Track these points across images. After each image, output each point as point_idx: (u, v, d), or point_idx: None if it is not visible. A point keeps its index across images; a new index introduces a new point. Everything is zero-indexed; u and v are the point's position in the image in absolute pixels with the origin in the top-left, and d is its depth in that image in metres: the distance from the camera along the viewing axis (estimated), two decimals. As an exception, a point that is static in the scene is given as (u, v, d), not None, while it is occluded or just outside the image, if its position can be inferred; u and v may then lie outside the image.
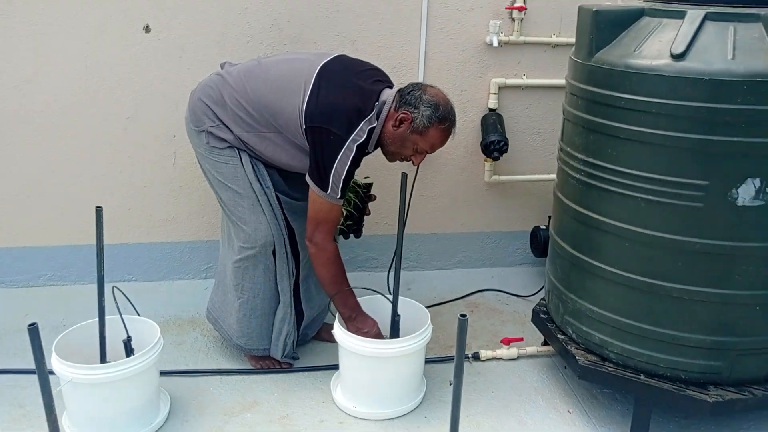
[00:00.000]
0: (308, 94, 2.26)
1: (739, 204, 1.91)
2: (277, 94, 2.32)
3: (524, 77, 3.08)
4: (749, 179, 1.88)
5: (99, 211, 2.10)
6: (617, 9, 2.08)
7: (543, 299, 2.65)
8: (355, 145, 2.23)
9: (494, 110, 3.10)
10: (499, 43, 2.94)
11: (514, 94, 3.11)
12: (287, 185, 2.52)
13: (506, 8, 2.96)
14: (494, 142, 3.00)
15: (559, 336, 2.40)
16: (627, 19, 2.08)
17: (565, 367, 2.62)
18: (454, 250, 3.34)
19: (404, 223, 2.29)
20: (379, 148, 2.38)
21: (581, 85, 2.17)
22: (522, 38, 3.00)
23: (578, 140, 2.21)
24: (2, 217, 2.98)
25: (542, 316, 2.55)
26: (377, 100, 2.30)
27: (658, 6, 2.06)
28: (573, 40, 2.93)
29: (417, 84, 2.35)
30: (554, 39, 3.04)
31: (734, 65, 1.83)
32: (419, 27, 2.97)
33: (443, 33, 3.00)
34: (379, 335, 2.42)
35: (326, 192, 2.26)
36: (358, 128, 2.23)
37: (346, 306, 2.41)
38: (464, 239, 3.33)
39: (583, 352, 2.29)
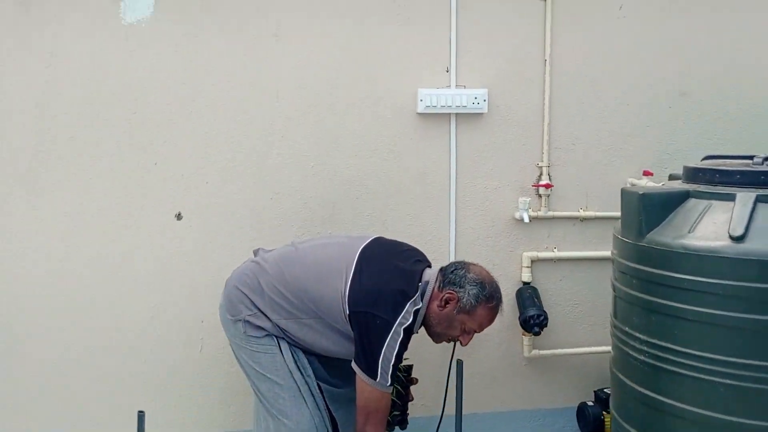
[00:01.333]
0: (350, 278, 2.23)
1: (819, 385, 1.83)
2: (317, 280, 2.28)
3: (555, 250, 3.09)
4: None
5: (141, 416, 1.97)
6: (664, 191, 2.13)
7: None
8: (402, 328, 2.16)
9: (528, 283, 3.08)
10: (530, 218, 2.97)
11: (547, 267, 3.10)
12: (327, 372, 2.42)
13: (533, 186, 3.03)
14: (533, 317, 2.94)
15: None
16: (674, 201, 2.11)
17: None
18: (493, 429, 3.16)
19: (461, 414, 2.16)
20: (424, 329, 2.31)
21: (634, 265, 2.15)
22: (550, 213, 3.04)
23: (637, 320, 2.15)
24: (18, 408, 2.81)
25: None
26: (420, 281, 2.26)
27: (703, 189, 2.09)
28: (600, 213, 3.04)
29: (459, 262, 2.34)
30: (582, 213, 3.08)
31: (798, 246, 1.83)
32: (448, 205, 3.01)
33: (472, 210, 3.04)
34: None
35: (375, 380, 2.16)
36: (404, 311, 2.17)
37: None
38: (505, 418, 3.17)
39: None
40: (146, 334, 2.88)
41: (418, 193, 3.00)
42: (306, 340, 2.32)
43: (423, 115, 2.94)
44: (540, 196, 3.04)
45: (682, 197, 2.10)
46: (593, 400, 3.11)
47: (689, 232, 2.00)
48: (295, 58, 2.85)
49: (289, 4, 2.83)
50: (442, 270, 2.32)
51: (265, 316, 2.33)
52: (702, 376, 1.97)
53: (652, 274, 2.08)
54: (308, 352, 2.38)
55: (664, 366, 2.07)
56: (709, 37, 3.10)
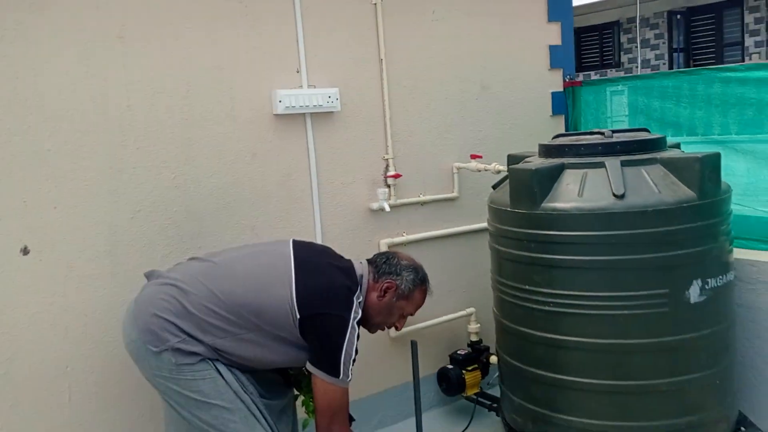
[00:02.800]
0: (293, 283, 2.20)
1: (692, 302, 2.39)
2: (256, 291, 2.20)
3: (405, 234, 3.34)
4: (694, 281, 2.38)
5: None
6: (549, 166, 2.50)
7: (511, 431, 2.81)
8: (356, 322, 2.22)
9: (387, 269, 3.27)
10: (390, 206, 3.17)
11: (399, 250, 3.33)
12: (261, 387, 2.33)
13: (385, 177, 3.23)
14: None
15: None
16: (556, 173, 2.50)
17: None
18: (372, 412, 3.31)
19: (419, 392, 2.29)
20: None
21: (531, 231, 2.50)
22: (399, 201, 3.28)
23: (538, 277, 2.51)
24: None
25: (522, 446, 2.70)
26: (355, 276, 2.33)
27: (574, 161, 2.53)
28: (436, 196, 3.38)
29: (385, 254, 2.46)
30: (422, 198, 3.38)
31: (664, 197, 2.36)
32: (311, 204, 3.06)
33: (333, 206, 3.12)
34: None
35: (338, 377, 2.17)
36: (354, 305, 2.23)
37: None
38: (379, 399, 3.33)
39: (585, 465, 2.50)
40: (1, 391, 2.40)
41: (284, 196, 2.99)
42: (245, 356, 2.21)
43: (280, 117, 2.94)
44: (389, 186, 3.26)
45: (559, 169, 2.51)
46: (450, 363, 3.45)
47: (579, 196, 2.41)
48: (145, 62, 2.62)
49: (133, 3, 2.58)
50: (371, 262, 2.40)
51: (196, 340, 2.16)
52: (605, 312, 2.40)
53: (550, 236, 2.45)
54: (243, 370, 2.26)
55: (568, 311, 2.46)
56: (501, 40, 3.63)
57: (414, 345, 2.23)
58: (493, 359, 3.45)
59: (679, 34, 11.94)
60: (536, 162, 2.61)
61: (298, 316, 2.16)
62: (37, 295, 2.46)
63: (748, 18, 10.84)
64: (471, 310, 3.55)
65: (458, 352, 3.45)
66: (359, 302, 2.27)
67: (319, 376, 2.17)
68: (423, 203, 3.40)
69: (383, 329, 2.47)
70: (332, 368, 2.16)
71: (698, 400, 2.47)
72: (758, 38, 10.78)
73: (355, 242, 3.19)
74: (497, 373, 3.53)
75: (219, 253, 2.39)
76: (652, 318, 2.39)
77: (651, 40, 12.34)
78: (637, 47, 12.10)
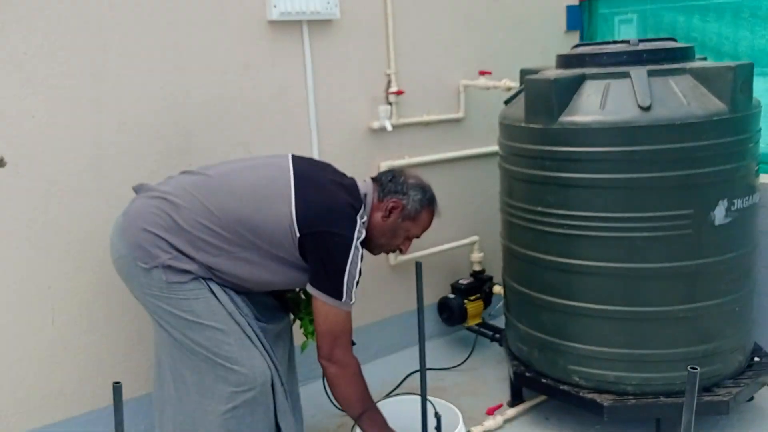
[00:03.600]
0: (294, 199, 2.03)
1: (716, 224, 2.23)
2: (254, 207, 2.03)
3: (406, 157, 3.16)
4: (720, 201, 2.22)
5: (117, 388, 1.58)
6: (569, 76, 2.31)
7: (515, 361, 2.70)
8: (360, 242, 2.06)
9: (388, 192, 3.10)
10: (392, 126, 2.98)
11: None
12: (256, 309, 2.19)
13: (388, 93, 3.03)
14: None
15: (562, 387, 2.47)
16: (575, 84, 2.31)
17: (547, 418, 2.70)
18: (370, 341, 3.19)
19: (422, 315, 2.15)
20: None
21: (547, 147, 2.32)
22: (401, 120, 3.09)
23: (553, 198, 2.35)
24: None
25: (529, 375, 2.59)
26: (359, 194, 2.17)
27: (596, 71, 2.33)
28: (441, 117, 3.18)
29: (391, 171, 2.28)
30: (426, 118, 3.18)
31: (693, 110, 2.17)
32: (308, 121, 2.86)
33: (331, 123, 2.93)
34: None
35: (341, 300, 2.03)
36: (357, 225, 2.07)
37: (376, 425, 2.15)
38: (377, 328, 3.22)
39: (597, 394, 2.39)
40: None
41: (278, 111, 2.79)
42: (240, 276, 2.06)
43: (275, 24, 2.71)
44: (390, 103, 3.06)
45: (580, 80, 2.32)
46: (451, 292, 3.32)
47: (601, 109, 2.23)
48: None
49: None
50: (376, 180, 2.23)
51: (188, 257, 2.00)
52: (623, 234, 2.25)
53: (568, 153, 2.27)
54: (238, 291, 2.12)
55: (583, 233, 2.31)
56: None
57: (418, 267, 2.06)
58: (497, 289, 3.33)
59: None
60: (554, 73, 2.41)
61: (298, 235, 2.01)
62: (15, 211, 2.29)
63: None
64: (474, 238, 3.41)
65: (460, 281, 3.33)
66: (363, 222, 2.11)
67: (320, 298, 2.03)
68: (427, 123, 3.21)
69: (387, 252, 2.32)
70: (335, 290, 2.02)
71: (715, 328, 2.35)
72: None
73: (354, 164, 3.00)
74: (500, 304, 3.44)
75: (213, 166, 2.21)
76: (673, 241, 2.24)
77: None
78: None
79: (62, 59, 2.30)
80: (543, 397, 2.73)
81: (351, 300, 2.05)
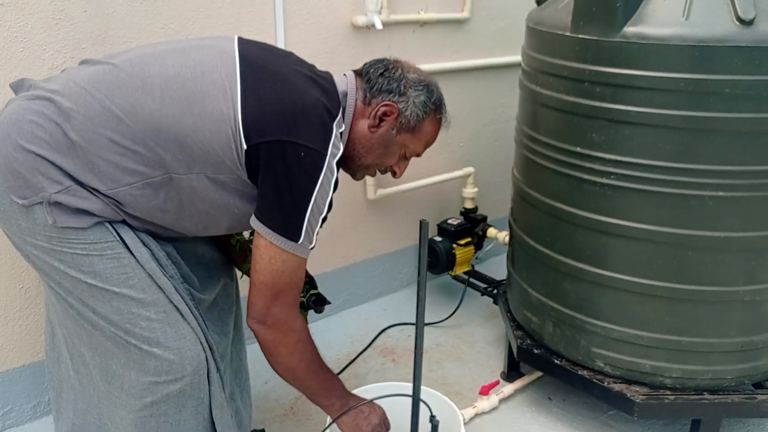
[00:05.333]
0: (239, 95, 1.39)
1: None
2: (180, 108, 1.38)
3: (395, 64, 2.50)
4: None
5: None
6: (641, -31, 1.67)
7: (518, 331, 2.19)
8: (335, 161, 1.44)
9: (370, 109, 2.47)
10: (383, 23, 2.31)
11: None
12: (187, 265, 1.59)
13: (377, -20, 2.34)
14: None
15: (581, 373, 1.98)
16: (649, -20, 1.68)
17: (550, 398, 2.24)
18: (338, 289, 2.65)
19: (425, 281, 1.58)
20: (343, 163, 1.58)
21: (601, 68, 1.71)
22: (393, 17, 2.42)
23: (598, 136, 1.77)
24: None
25: (537, 351, 2.09)
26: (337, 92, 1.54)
27: (675, -35, 1.70)
28: (439, 15, 2.53)
29: (383, 61, 1.61)
30: (422, 15, 2.51)
31: (811, 28, 1.58)
32: (273, 12, 2.17)
33: (303, 17, 2.25)
34: (384, 414, 1.67)
35: (297, 241, 1.42)
36: (333, 136, 1.44)
37: (334, 395, 1.61)
38: (347, 273, 2.67)
39: (626, 385, 1.92)
40: None
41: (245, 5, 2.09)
42: (164, 216, 1.44)
43: None
44: (380, -6, 2.37)
45: (656, -25, 1.69)
46: (437, 234, 2.78)
47: (684, 19, 1.62)
48: None
49: None
50: (361, 75, 1.58)
51: (88, 189, 1.36)
52: (677, 191, 1.70)
53: (630, 77, 1.67)
54: (161, 238, 1.51)
55: (634, 186, 1.75)
56: None
57: (424, 226, 1.48)
58: (492, 232, 2.79)
59: None
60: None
61: (245, 146, 1.37)
62: None
63: None
64: (469, 170, 2.83)
65: (449, 221, 2.78)
66: (341, 132, 1.49)
67: (267, 237, 1.42)
68: (423, 23, 2.54)
69: (373, 174, 1.70)
70: (290, 227, 1.41)
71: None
72: None
73: (331, 69, 2.34)
74: (490, 246, 2.93)
75: (123, 52, 1.51)
76: (752, 204, 1.71)
77: None
78: None
79: None
80: (546, 372, 2.26)
81: (310, 243, 1.45)
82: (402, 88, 1.55)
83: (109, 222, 1.41)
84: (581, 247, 1.89)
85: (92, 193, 1.37)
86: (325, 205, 1.43)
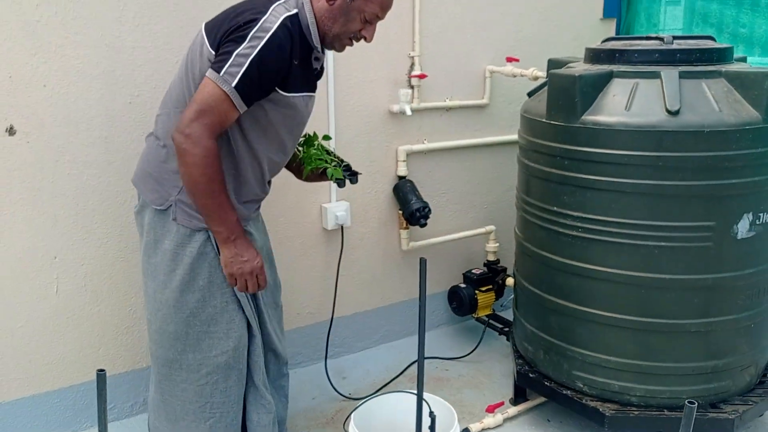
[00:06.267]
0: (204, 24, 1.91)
1: (738, 238, 2.13)
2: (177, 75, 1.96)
3: (425, 142, 3.08)
4: (745, 215, 2.12)
5: (101, 376, 1.56)
6: (595, 73, 2.20)
7: (519, 360, 2.64)
8: (268, 35, 1.75)
9: (404, 177, 3.04)
10: (412, 110, 2.90)
11: (418, 159, 3.09)
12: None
13: (410, 76, 2.94)
14: (419, 210, 2.93)
15: (565, 392, 2.41)
16: (602, 81, 2.21)
17: (548, 420, 2.65)
18: (377, 326, 3.17)
19: (424, 315, 2.09)
20: (319, 40, 1.91)
21: (567, 146, 2.23)
22: (422, 104, 3.00)
23: (569, 198, 2.27)
24: None
25: (532, 376, 2.54)
26: None
27: (625, 69, 2.22)
28: (464, 102, 3.09)
29: None
30: (448, 103, 3.09)
31: (725, 117, 2.06)
32: (327, 102, 2.79)
33: (350, 106, 2.86)
34: (261, 270, 1.93)
35: (220, 73, 1.75)
36: (279, 11, 1.80)
37: (224, 223, 1.85)
38: (385, 313, 3.19)
39: (600, 402, 2.33)
40: (-15, 282, 2.27)
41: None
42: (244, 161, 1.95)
43: None
44: (412, 87, 2.97)
45: (607, 78, 2.21)
46: (462, 282, 3.27)
47: (627, 110, 2.12)
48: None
49: None
50: None
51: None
52: (638, 242, 2.17)
53: (588, 153, 2.18)
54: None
55: (599, 238, 2.22)
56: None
57: (423, 263, 2.01)
58: (510, 281, 3.26)
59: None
60: (580, 68, 2.31)
61: (213, 52, 1.82)
62: (24, 180, 2.27)
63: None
64: (491, 228, 3.33)
65: (473, 271, 3.26)
66: (294, 12, 1.83)
67: (207, 74, 1.78)
68: (449, 109, 3.12)
69: (348, 44, 1.95)
70: (222, 64, 1.75)
71: (729, 343, 2.26)
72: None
73: (371, 147, 2.94)
74: (511, 296, 3.38)
75: None
76: (692, 252, 2.15)
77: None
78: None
79: (76, 29, 2.26)
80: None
81: (233, 81, 1.74)
82: None
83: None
84: (561, 287, 2.36)
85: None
86: (264, 70, 1.75)
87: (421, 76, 2.94)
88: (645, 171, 2.12)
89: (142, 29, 2.37)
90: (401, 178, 3.04)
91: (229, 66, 1.75)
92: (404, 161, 3.01)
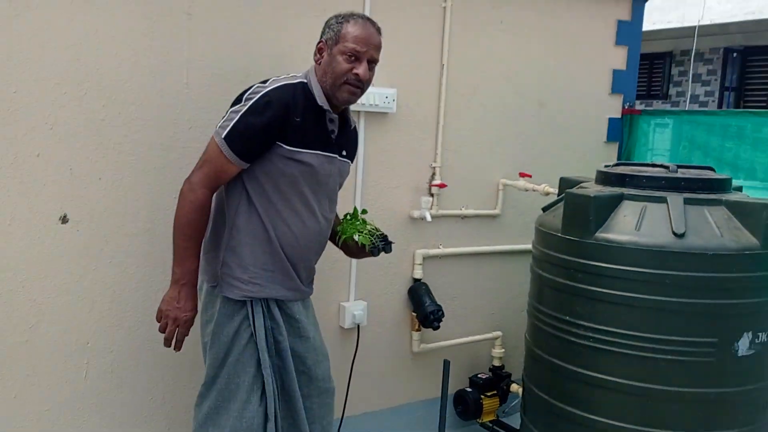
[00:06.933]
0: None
1: (739, 355, 2.28)
2: None
3: (441, 247, 3.26)
4: (745, 333, 2.27)
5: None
6: (608, 195, 2.41)
7: (528, 463, 2.71)
8: (258, 97, 2.04)
9: (420, 280, 3.19)
10: (432, 217, 3.09)
11: (433, 264, 3.25)
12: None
13: (431, 185, 3.16)
14: (434, 312, 3.07)
15: (574, 499, 2.47)
16: (614, 203, 2.41)
17: None
18: (386, 427, 3.22)
19: (445, 410, 2.20)
20: (323, 94, 2.14)
21: (581, 260, 2.41)
22: (441, 212, 3.20)
23: (581, 309, 2.42)
24: None
25: (542, 481, 2.61)
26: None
27: (634, 192, 2.43)
28: (478, 211, 3.29)
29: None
30: (464, 211, 3.30)
31: (726, 242, 2.25)
32: (353, 204, 2.98)
33: (375, 209, 3.04)
34: (185, 324, 2.10)
35: (221, 136, 2.03)
36: (272, 80, 2.12)
37: (182, 267, 2.08)
38: (391, 414, 3.24)
39: None
40: (18, 358, 2.36)
41: (326, 192, 2.92)
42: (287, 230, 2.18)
43: (333, 112, 2.87)
44: (432, 195, 3.18)
45: (618, 199, 2.42)
46: (469, 386, 3.36)
47: (636, 230, 2.31)
48: (208, 40, 2.57)
49: (201, -20, 2.54)
50: None
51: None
52: (646, 354, 2.30)
53: (600, 268, 2.35)
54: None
55: (608, 348, 2.36)
56: (565, 59, 3.54)
57: (446, 364, 2.14)
58: (514, 387, 3.35)
59: (733, 72, 11.66)
60: (594, 189, 2.52)
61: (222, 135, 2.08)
62: (69, 266, 2.42)
63: (807, 64, 10.57)
64: (498, 333, 3.46)
65: (479, 375, 3.37)
66: (291, 81, 2.12)
67: (213, 134, 2.09)
68: (464, 217, 3.32)
69: (353, 90, 2.12)
70: (223, 125, 2.05)
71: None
72: (815, 86, 10.51)
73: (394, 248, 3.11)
74: (514, 402, 3.46)
75: None
76: (695, 367, 2.29)
77: (703, 76, 12.07)
78: (688, 81, 11.87)
79: (136, 128, 2.47)
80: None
81: (223, 134, 2.02)
82: (323, 29, 2.16)
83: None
84: (572, 394, 2.47)
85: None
86: (252, 125, 2.00)
87: (441, 186, 3.16)
88: (652, 287, 2.28)
89: (195, 131, 2.58)
90: (416, 281, 3.19)
91: (224, 121, 2.05)
92: (420, 264, 3.18)
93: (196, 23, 2.53)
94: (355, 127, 2.36)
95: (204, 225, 2.11)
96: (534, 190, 3.22)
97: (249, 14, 2.64)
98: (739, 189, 2.65)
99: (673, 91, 12.64)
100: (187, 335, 2.13)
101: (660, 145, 3.80)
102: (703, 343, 2.27)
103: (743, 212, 2.30)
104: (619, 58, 3.73)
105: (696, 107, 11.82)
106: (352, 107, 2.82)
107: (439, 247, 3.25)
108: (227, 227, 2.15)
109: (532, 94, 3.45)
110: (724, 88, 11.71)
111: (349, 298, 3.02)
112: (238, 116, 2.02)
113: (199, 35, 2.54)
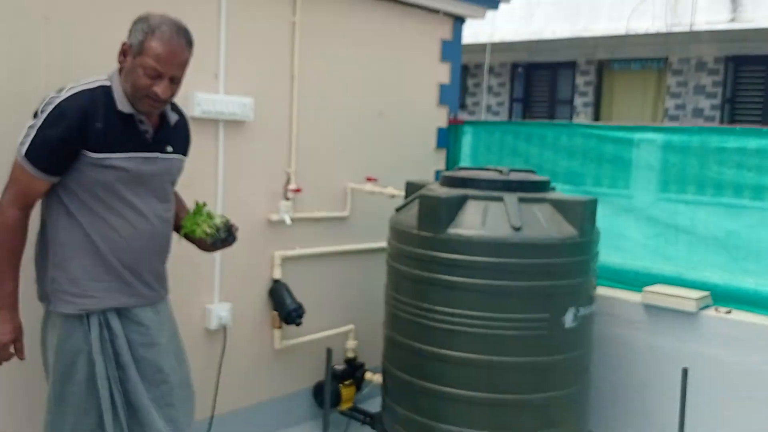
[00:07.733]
0: None
1: (566, 327, 2.73)
2: None
3: (297, 248, 3.43)
4: (569, 309, 2.73)
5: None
6: (456, 195, 2.75)
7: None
8: (56, 103, 1.99)
9: (279, 280, 3.34)
10: (291, 219, 3.25)
11: (291, 264, 3.41)
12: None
13: (287, 190, 3.32)
14: (295, 310, 3.23)
15: (434, 466, 2.79)
16: (460, 202, 2.76)
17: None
18: (251, 421, 3.32)
19: (329, 395, 2.39)
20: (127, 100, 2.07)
21: (435, 253, 2.73)
22: (297, 215, 3.38)
23: (436, 296, 2.74)
24: None
25: (404, 454, 2.89)
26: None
27: (475, 193, 2.80)
28: (329, 214, 3.52)
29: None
30: (317, 214, 3.50)
31: (552, 233, 2.69)
32: (215, 209, 3.05)
33: (234, 215, 3.07)
34: (4, 347, 2.07)
35: (22, 154, 1.99)
36: (68, 87, 2.05)
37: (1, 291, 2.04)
38: (253, 411, 3.35)
39: (464, 471, 2.74)
40: None
41: (187, 199, 2.96)
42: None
43: (195, 121, 2.91)
44: (288, 199, 3.34)
45: (464, 199, 2.77)
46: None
47: (482, 225, 2.68)
48: (70, 44, 2.52)
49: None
50: None
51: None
52: (491, 331, 2.68)
53: (453, 260, 2.69)
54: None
55: (460, 328, 2.71)
56: (399, 73, 3.87)
57: (329, 352, 2.34)
58: (368, 375, 3.61)
59: (520, 85, 13.07)
60: (441, 191, 2.85)
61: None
62: None
63: (579, 80, 12.15)
64: (350, 326, 3.70)
65: (335, 366, 3.58)
66: (89, 86, 2.05)
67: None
68: (317, 219, 3.52)
69: (154, 104, 2.07)
70: (23, 142, 2.00)
71: (561, 414, 2.82)
72: (586, 99, 12.11)
73: (251, 253, 3.23)
74: (367, 388, 3.74)
75: None
76: (532, 339, 2.71)
77: (494, 87, 13.38)
78: (482, 92, 13.07)
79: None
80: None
81: (23, 151, 1.98)
82: (131, 29, 2.04)
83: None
84: (429, 371, 2.78)
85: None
86: (53, 134, 1.95)
87: (297, 191, 3.33)
88: (495, 274, 2.66)
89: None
90: (276, 281, 3.34)
91: (23, 137, 1.99)
92: (279, 265, 3.32)
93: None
94: (181, 118, 2.29)
95: (19, 246, 2.04)
96: (380, 193, 3.51)
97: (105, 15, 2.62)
98: (553, 188, 3.15)
99: (469, 101, 13.84)
100: (7, 359, 2.09)
101: (473, 151, 4.27)
102: (538, 319, 2.70)
103: (564, 208, 2.76)
104: (444, 72, 4.15)
105: (491, 117, 13.07)
106: (212, 116, 2.93)
107: (295, 249, 3.42)
108: (51, 244, 2.10)
109: (373, 104, 3.74)
110: (513, 99, 13.08)
111: (214, 300, 3.09)
112: (35, 131, 1.97)
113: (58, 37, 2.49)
